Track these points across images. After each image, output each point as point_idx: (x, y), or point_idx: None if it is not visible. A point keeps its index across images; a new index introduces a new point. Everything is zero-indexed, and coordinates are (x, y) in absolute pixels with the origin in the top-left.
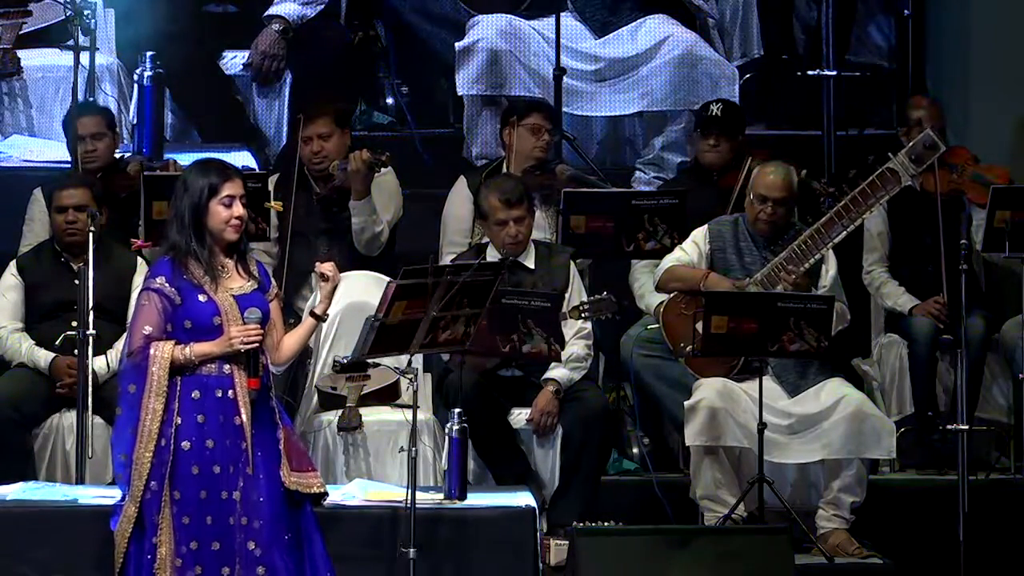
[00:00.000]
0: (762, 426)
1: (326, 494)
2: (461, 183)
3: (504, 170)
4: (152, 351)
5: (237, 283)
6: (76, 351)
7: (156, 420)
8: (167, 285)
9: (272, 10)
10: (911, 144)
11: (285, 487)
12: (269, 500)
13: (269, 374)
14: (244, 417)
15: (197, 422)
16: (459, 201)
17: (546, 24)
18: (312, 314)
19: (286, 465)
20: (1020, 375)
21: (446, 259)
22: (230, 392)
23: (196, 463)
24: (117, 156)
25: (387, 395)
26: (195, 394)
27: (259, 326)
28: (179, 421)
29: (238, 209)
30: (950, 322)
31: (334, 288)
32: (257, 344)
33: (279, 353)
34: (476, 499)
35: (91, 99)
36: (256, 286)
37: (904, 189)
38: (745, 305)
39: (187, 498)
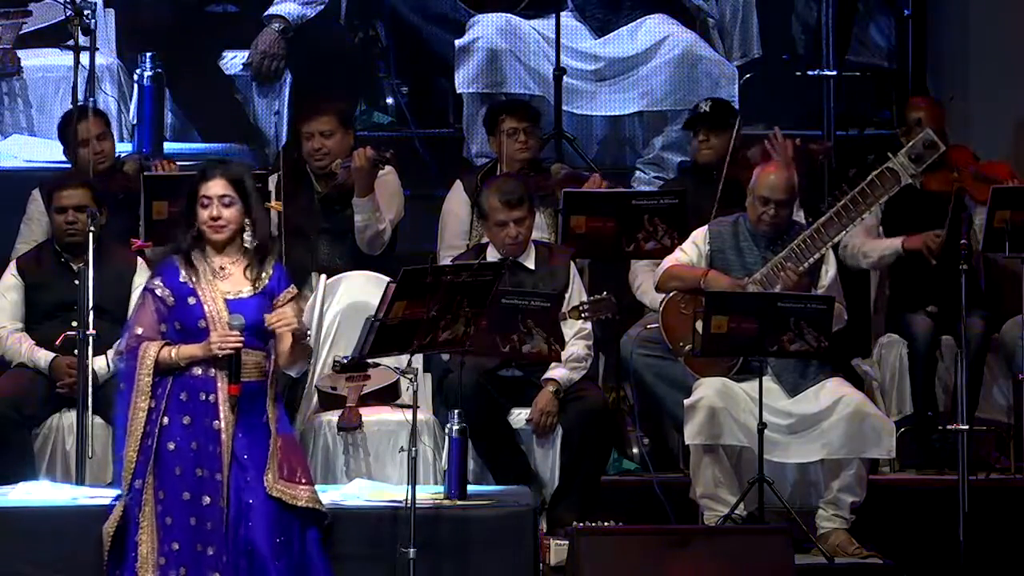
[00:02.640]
0: (762, 426)
1: (325, 515)
2: (457, 187)
3: (498, 172)
4: (140, 351)
5: (235, 286)
6: (76, 351)
7: (142, 419)
8: (162, 286)
9: (272, 10)
10: (911, 144)
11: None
12: (261, 501)
13: (271, 379)
14: (222, 423)
15: (183, 424)
16: (456, 203)
17: (546, 23)
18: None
19: (273, 471)
20: (1020, 375)
21: (444, 261)
22: (211, 396)
23: (180, 464)
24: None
25: (387, 395)
26: (183, 395)
27: (239, 333)
28: (166, 421)
29: (214, 211)
30: (950, 316)
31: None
32: (235, 350)
33: (282, 359)
34: (476, 499)
35: (91, 99)
36: (258, 291)
37: (905, 189)
38: (745, 305)
39: (171, 498)
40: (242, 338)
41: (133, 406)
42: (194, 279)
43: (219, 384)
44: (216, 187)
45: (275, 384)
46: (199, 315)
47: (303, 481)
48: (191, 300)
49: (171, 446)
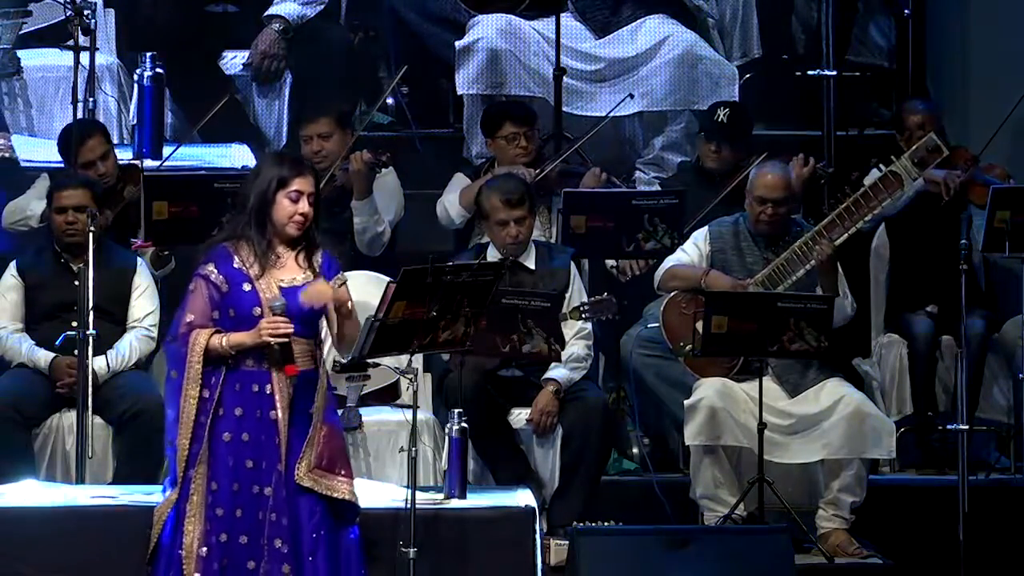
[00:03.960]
0: (762, 426)
1: (356, 508)
2: (459, 176)
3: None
4: (191, 339)
5: (290, 274)
6: (76, 351)
7: (194, 407)
8: (215, 272)
9: (272, 10)
10: (914, 148)
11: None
12: (295, 494)
13: (319, 368)
14: (280, 413)
15: (236, 415)
16: (461, 181)
17: (546, 24)
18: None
19: (308, 460)
20: (1020, 375)
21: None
22: (267, 387)
23: (232, 455)
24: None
25: (387, 395)
26: (237, 386)
27: (287, 319)
28: (221, 412)
29: (304, 206)
30: (950, 316)
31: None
32: (287, 338)
33: (340, 342)
34: (476, 499)
35: (91, 99)
36: (311, 278)
37: None
38: (745, 305)
39: (223, 490)
40: (291, 324)
41: (184, 394)
42: (248, 264)
43: (274, 375)
44: (309, 183)
45: (326, 373)
46: (254, 302)
47: (343, 474)
48: (246, 287)
49: (226, 437)
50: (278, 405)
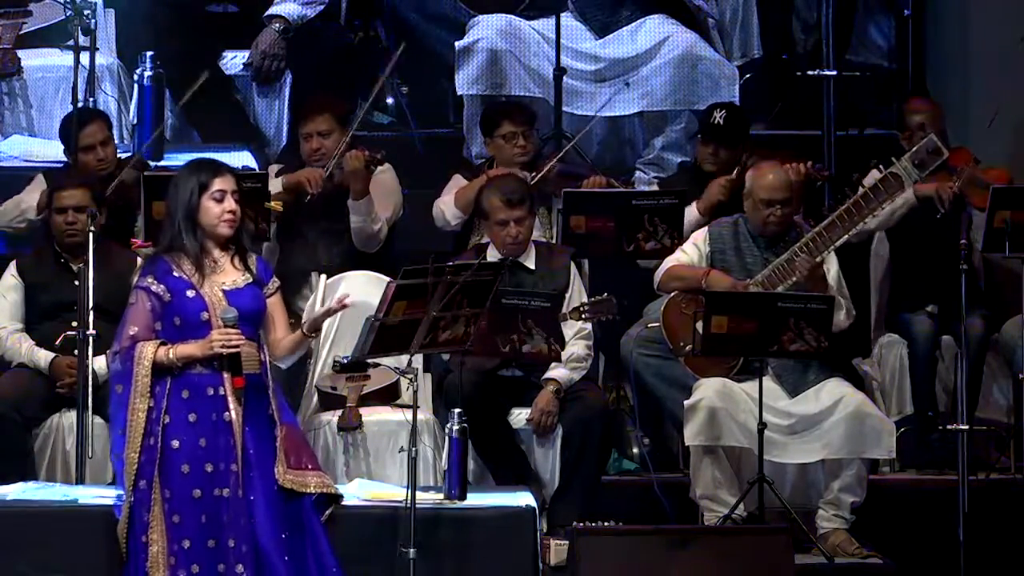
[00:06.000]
0: (762, 426)
1: (339, 496)
2: (457, 178)
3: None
4: (136, 352)
5: (230, 277)
6: (76, 351)
7: (142, 420)
8: (156, 283)
9: (272, 10)
10: (914, 149)
11: (280, 485)
12: (264, 498)
13: (267, 370)
14: (233, 414)
15: (189, 421)
16: (458, 182)
17: (546, 24)
18: (302, 331)
19: (282, 462)
20: (1020, 375)
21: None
22: (220, 389)
23: (187, 462)
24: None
25: (387, 395)
26: (184, 393)
27: (239, 329)
28: (167, 420)
29: (230, 204)
30: (950, 316)
31: (328, 314)
32: (237, 348)
33: (277, 350)
34: (476, 499)
35: (91, 99)
36: (251, 280)
37: None
38: (745, 305)
39: (178, 496)
40: (242, 334)
41: (132, 407)
42: (189, 274)
43: (225, 377)
44: (230, 181)
45: (269, 374)
46: (201, 307)
47: (310, 467)
48: (190, 293)
49: (175, 444)
50: (231, 407)
